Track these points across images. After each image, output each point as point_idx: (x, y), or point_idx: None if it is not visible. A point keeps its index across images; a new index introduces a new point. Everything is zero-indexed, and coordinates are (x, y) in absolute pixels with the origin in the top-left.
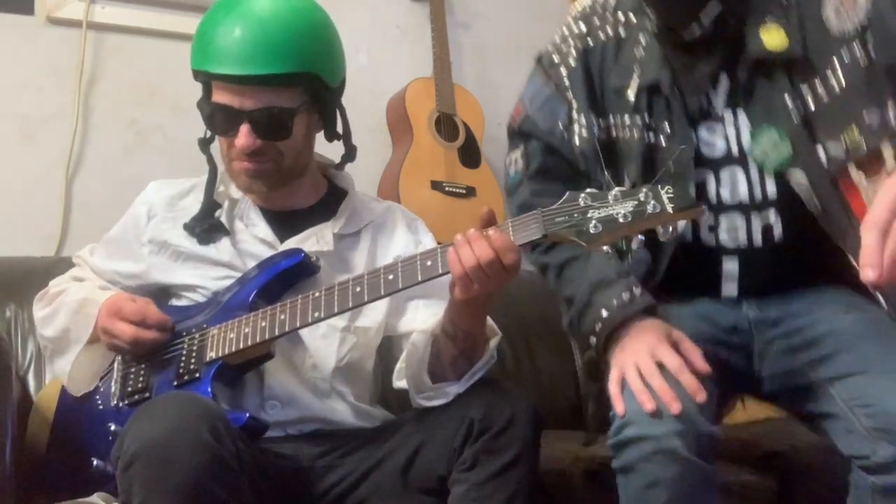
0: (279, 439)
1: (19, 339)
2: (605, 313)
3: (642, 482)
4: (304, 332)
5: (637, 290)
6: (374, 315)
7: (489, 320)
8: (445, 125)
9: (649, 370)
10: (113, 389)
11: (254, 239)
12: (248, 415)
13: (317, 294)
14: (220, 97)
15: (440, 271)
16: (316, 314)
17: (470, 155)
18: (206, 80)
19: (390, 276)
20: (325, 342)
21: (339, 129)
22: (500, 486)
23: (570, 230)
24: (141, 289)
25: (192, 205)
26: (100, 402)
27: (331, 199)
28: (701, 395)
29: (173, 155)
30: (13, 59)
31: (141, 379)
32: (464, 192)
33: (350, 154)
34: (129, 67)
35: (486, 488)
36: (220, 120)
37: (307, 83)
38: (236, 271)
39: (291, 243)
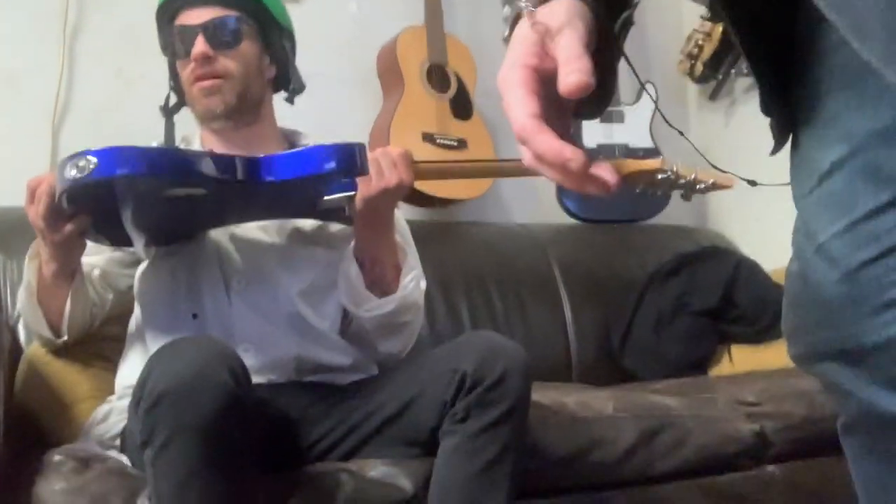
0: (268, 388)
1: (8, 289)
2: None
3: None
4: (262, 263)
5: None
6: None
7: (411, 256)
8: (437, 76)
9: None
10: None
11: None
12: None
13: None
14: (180, 20)
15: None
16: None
17: (462, 106)
18: (171, 9)
19: None
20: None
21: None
22: (491, 439)
23: None
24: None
25: None
26: None
27: None
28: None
29: (160, 104)
30: None
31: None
32: (455, 144)
33: (296, 88)
34: (115, 16)
35: (478, 441)
36: (181, 42)
37: (252, 7)
38: None
39: None
